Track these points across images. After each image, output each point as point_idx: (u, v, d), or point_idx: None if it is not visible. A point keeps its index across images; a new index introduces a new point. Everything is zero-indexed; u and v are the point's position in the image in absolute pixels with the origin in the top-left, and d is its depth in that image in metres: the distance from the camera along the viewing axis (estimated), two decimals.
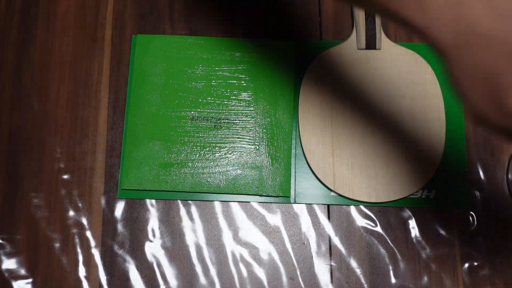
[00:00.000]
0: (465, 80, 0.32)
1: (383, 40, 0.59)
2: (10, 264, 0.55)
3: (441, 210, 0.56)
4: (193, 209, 0.56)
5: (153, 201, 0.56)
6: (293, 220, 0.56)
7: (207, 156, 0.57)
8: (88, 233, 0.56)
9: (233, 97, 0.58)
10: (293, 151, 0.57)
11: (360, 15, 0.58)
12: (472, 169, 0.57)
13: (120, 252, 0.55)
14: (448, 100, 0.58)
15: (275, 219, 0.56)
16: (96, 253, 0.55)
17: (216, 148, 0.57)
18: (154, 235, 0.55)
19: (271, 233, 0.55)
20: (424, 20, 0.32)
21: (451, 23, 0.31)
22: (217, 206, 0.56)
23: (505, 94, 0.29)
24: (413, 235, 0.55)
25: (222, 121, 0.58)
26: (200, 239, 0.55)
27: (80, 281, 0.54)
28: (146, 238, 0.55)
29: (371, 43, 0.58)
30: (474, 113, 0.32)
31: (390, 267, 0.54)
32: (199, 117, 0.58)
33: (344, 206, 0.56)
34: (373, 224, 0.55)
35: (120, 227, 0.56)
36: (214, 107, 0.58)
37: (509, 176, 0.56)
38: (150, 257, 0.55)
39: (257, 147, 0.57)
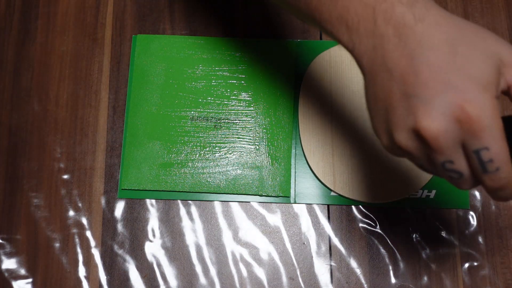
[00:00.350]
0: (371, 104, 0.35)
1: None
2: (10, 264, 0.55)
3: (441, 210, 0.56)
4: (193, 209, 0.56)
5: (153, 201, 0.56)
6: (293, 220, 0.56)
7: (207, 156, 0.57)
8: (88, 233, 0.56)
9: (233, 97, 0.58)
10: (293, 151, 0.57)
11: None
12: None
13: (120, 252, 0.55)
14: None
15: (275, 219, 0.56)
16: (96, 253, 0.55)
17: (216, 148, 0.57)
18: (154, 235, 0.55)
19: (271, 233, 0.56)
20: (348, 41, 0.35)
21: (369, 51, 0.34)
22: (217, 206, 0.56)
23: (393, 129, 0.33)
24: (413, 235, 0.55)
25: (222, 121, 0.58)
26: (200, 239, 0.55)
27: (80, 281, 0.54)
28: (146, 238, 0.55)
29: None
30: (375, 133, 0.36)
31: (390, 267, 0.54)
32: (199, 117, 0.58)
33: (344, 206, 0.56)
34: (373, 224, 0.55)
35: (120, 227, 0.56)
36: (214, 107, 0.58)
37: None
38: (150, 257, 0.55)
39: (257, 147, 0.57)
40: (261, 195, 0.56)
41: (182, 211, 0.56)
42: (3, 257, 0.55)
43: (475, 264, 0.54)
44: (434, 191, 0.56)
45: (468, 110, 0.31)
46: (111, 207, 0.56)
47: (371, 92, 0.35)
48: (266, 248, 0.55)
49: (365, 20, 0.34)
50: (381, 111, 0.34)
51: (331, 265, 0.54)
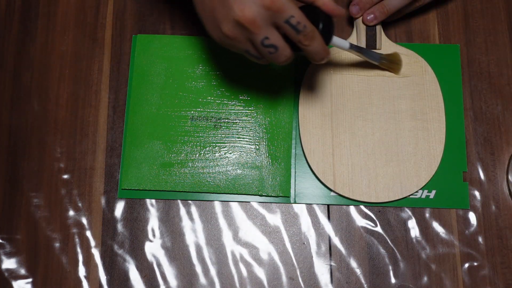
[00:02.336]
0: (201, 10, 0.45)
1: (383, 40, 0.59)
2: (10, 264, 0.55)
3: (441, 210, 0.56)
4: (193, 209, 0.56)
5: (153, 201, 0.56)
6: (293, 220, 0.56)
7: (207, 156, 0.57)
8: (88, 233, 0.56)
9: (233, 97, 0.58)
10: (293, 151, 0.57)
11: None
12: (472, 169, 0.57)
13: (120, 252, 0.55)
14: (448, 100, 0.58)
15: (275, 219, 0.56)
16: (96, 253, 0.55)
17: (216, 148, 0.57)
18: (154, 235, 0.55)
19: (271, 233, 0.55)
20: None
21: None
22: (217, 206, 0.56)
23: (219, 24, 0.43)
24: (413, 235, 0.55)
25: (222, 120, 0.58)
26: (200, 239, 0.55)
27: (80, 281, 0.54)
28: (146, 238, 0.55)
29: (371, 43, 0.58)
30: (209, 33, 0.45)
31: (390, 267, 0.54)
32: (199, 116, 0.58)
33: (344, 206, 0.56)
34: (373, 224, 0.55)
35: (120, 227, 0.56)
36: (214, 107, 0.58)
37: (509, 176, 0.56)
38: (150, 257, 0.55)
39: (257, 147, 0.57)
40: (261, 195, 0.56)
41: (182, 211, 0.56)
42: (3, 257, 0.55)
43: (475, 264, 0.54)
44: (434, 191, 0.56)
45: None
46: (111, 207, 0.56)
47: (198, 1, 0.45)
48: (266, 248, 0.55)
49: None
50: (209, 13, 0.44)
51: (331, 265, 0.54)
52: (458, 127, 0.58)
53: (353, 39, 0.59)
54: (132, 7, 0.62)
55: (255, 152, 0.57)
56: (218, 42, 0.45)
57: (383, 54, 0.57)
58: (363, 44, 0.58)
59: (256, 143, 0.57)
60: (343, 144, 0.56)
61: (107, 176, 0.57)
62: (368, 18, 0.57)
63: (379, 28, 0.58)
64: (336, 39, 0.50)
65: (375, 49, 0.59)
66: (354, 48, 0.53)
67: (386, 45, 0.59)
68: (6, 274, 0.55)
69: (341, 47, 0.51)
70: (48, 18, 0.62)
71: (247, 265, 0.55)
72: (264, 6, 0.41)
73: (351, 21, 0.61)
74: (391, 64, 0.57)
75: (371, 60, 0.56)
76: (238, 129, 0.58)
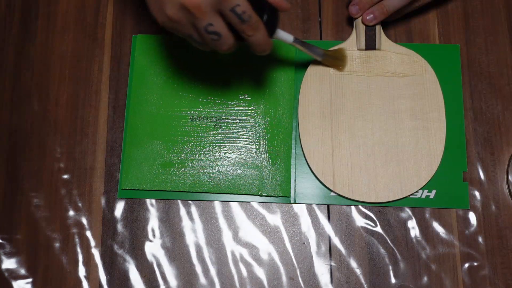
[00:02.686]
0: None
1: (383, 40, 0.59)
2: (10, 264, 0.55)
3: (441, 210, 0.56)
4: (193, 209, 0.56)
5: (153, 201, 0.56)
6: (293, 220, 0.56)
7: (207, 155, 0.57)
8: (88, 233, 0.56)
9: (233, 97, 0.58)
10: (293, 151, 0.57)
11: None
12: (472, 169, 0.57)
13: (120, 252, 0.55)
14: (448, 100, 0.58)
15: (275, 219, 0.56)
16: (96, 253, 0.55)
17: (216, 148, 0.57)
18: (154, 235, 0.55)
19: (271, 233, 0.55)
20: None
21: None
22: (217, 206, 0.56)
23: (164, 7, 0.42)
24: (413, 235, 0.55)
25: (222, 120, 0.58)
26: (200, 239, 0.55)
27: (80, 281, 0.54)
28: (146, 238, 0.55)
29: (371, 43, 0.58)
30: (152, 15, 0.44)
31: (390, 267, 0.54)
32: (199, 116, 0.58)
33: (344, 206, 0.56)
34: (373, 224, 0.55)
35: (120, 227, 0.56)
36: (214, 107, 0.58)
37: (509, 176, 0.56)
38: (150, 257, 0.55)
39: (257, 147, 0.57)
40: (261, 195, 0.56)
41: (182, 211, 0.56)
42: (3, 257, 0.55)
43: (475, 264, 0.54)
44: (434, 191, 0.56)
45: None
46: (111, 207, 0.56)
47: None
48: (266, 248, 0.55)
49: None
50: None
51: (331, 265, 0.54)
52: (458, 127, 0.58)
53: (352, 39, 0.59)
54: (132, 7, 0.62)
55: (255, 152, 0.57)
56: (161, 25, 0.44)
57: (327, 50, 0.57)
58: (363, 44, 0.58)
59: (256, 143, 0.57)
60: (343, 144, 0.56)
61: (107, 176, 0.57)
62: (367, 18, 0.57)
63: (378, 28, 0.58)
64: (280, 32, 0.49)
65: (375, 49, 0.59)
66: (297, 42, 0.52)
67: (386, 45, 0.59)
68: (6, 274, 0.55)
69: (285, 41, 0.51)
70: (48, 18, 0.62)
71: (247, 265, 0.55)
72: None
73: (350, 21, 0.61)
74: (334, 60, 0.58)
75: (315, 56, 0.56)
76: (238, 129, 0.58)
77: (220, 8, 0.42)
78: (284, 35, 0.50)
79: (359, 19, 0.58)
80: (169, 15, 0.42)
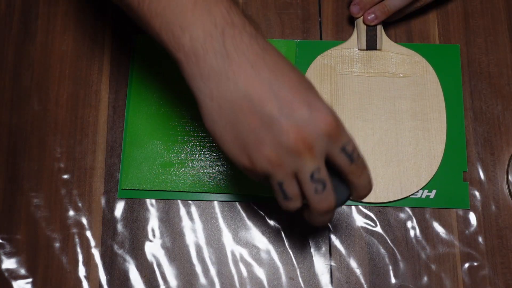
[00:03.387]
0: (220, 130, 0.37)
1: (384, 40, 0.59)
2: (10, 264, 0.55)
3: (441, 210, 0.56)
4: (193, 209, 0.56)
5: (153, 201, 0.56)
6: (293, 220, 0.56)
7: (207, 155, 0.57)
8: (88, 233, 0.56)
9: None
10: None
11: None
12: (472, 169, 0.57)
13: (120, 252, 0.55)
14: (448, 100, 0.58)
15: (275, 219, 0.56)
16: (96, 253, 0.55)
17: (216, 147, 0.57)
18: (154, 235, 0.55)
19: (271, 233, 0.55)
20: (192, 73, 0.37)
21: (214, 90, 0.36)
22: (217, 206, 0.56)
23: (262, 146, 0.35)
24: (413, 235, 0.55)
25: None
26: (200, 239, 0.55)
27: (80, 281, 0.54)
28: (146, 238, 0.55)
29: (372, 43, 0.58)
30: (229, 155, 0.37)
31: (390, 267, 0.54)
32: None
33: (344, 206, 0.56)
34: (373, 224, 0.55)
35: (120, 227, 0.56)
36: None
37: (509, 176, 0.56)
38: (150, 257, 0.55)
39: None
40: (261, 195, 0.56)
41: (182, 211, 0.56)
42: (3, 257, 0.55)
43: (475, 264, 0.54)
44: (434, 191, 0.56)
45: (332, 118, 0.36)
46: (111, 207, 0.56)
47: (219, 120, 0.37)
48: (266, 248, 0.55)
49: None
50: (240, 134, 0.36)
51: (331, 265, 0.54)
52: (458, 127, 0.58)
53: (353, 39, 0.59)
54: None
55: None
56: (240, 167, 0.37)
57: None
58: (363, 44, 0.58)
59: None
60: None
61: (107, 176, 0.57)
62: (369, 18, 0.57)
63: (379, 28, 0.58)
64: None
65: (376, 49, 0.59)
66: None
67: (386, 46, 0.59)
68: (6, 274, 0.55)
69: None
70: (48, 18, 0.62)
71: (247, 265, 0.55)
72: (325, 132, 0.35)
73: (351, 21, 0.61)
74: None
75: None
76: None
77: (330, 149, 0.36)
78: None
79: (360, 19, 0.58)
80: (269, 157, 0.35)
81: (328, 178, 0.36)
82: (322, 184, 0.36)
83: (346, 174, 0.37)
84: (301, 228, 0.55)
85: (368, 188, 0.39)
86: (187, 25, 0.36)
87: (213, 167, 0.57)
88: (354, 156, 0.37)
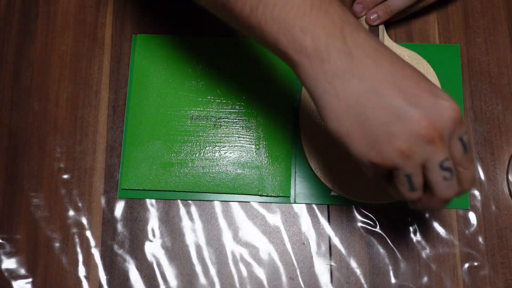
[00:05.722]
0: (347, 127, 0.36)
1: (386, 41, 0.59)
2: (10, 264, 0.55)
3: (441, 210, 0.56)
4: (193, 209, 0.56)
5: (153, 201, 0.56)
6: (293, 220, 0.56)
7: (207, 155, 0.57)
8: (88, 233, 0.56)
9: (233, 96, 0.58)
10: (293, 151, 0.57)
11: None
12: None
13: (120, 252, 0.55)
14: None
15: (275, 219, 0.56)
16: (96, 253, 0.55)
17: (216, 147, 0.57)
18: (154, 235, 0.55)
19: (271, 233, 0.55)
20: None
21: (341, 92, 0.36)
22: (217, 206, 0.56)
23: (394, 138, 0.35)
24: (413, 235, 0.55)
25: (222, 120, 0.58)
26: (200, 239, 0.55)
27: (80, 281, 0.54)
28: (146, 238, 0.55)
29: None
30: (355, 152, 0.37)
31: (390, 267, 0.54)
32: (199, 116, 0.58)
33: (344, 206, 0.56)
34: (373, 224, 0.55)
35: (120, 227, 0.56)
36: (214, 106, 0.58)
37: (509, 176, 0.56)
38: (150, 257, 0.55)
39: (257, 147, 0.57)
40: (261, 195, 0.56)
41: (182, 211, 0.56)
42: (3, 257, 0.55)
43: (475, 264, 0.54)
44: None
45: (454, 111, 0.35)
46: (111, 207, 0.56)
47: (343, 117, 0.36)
48: (266, 248, 0.55)
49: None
50: (371, 128, 0.35)
51: (331, 265, 0.54)
52: None
53: None
54: (132, 7, 0.62)
55: (255, 152, 0.57)
56: (367, 164, 0.37)
57: None
58: None
59: (256, 143, 0.57)
60: None
61: (107, 176, 0.57)
62: (371, 17, 0.57)
63: (382, 29, 0.58)
64: None
65: None
66: None
67: (388, 46, 0.59)
68: (6, 274, 0.55)
69: None
70: (48, 18, 0.62)
71: (247, 265, 0.55)
72: (452, 119, 0.35)
73: None
74: None
75: None
76: (238, 129, 0.58)
77: (452, 136, 0.36)
78: None
79: (363, 19, 0.58)
80: (401, 149, 0.34)
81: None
82: (450, 171, 0.36)
83: (456, 165, 0.37)
84: (301, 228, 0.55)
85: (471, 183, 0.38)
86: (307, 27, 0.35)
87: (213, 167, 0.57)
88: (467, 147, 0.36)
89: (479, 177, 0.56)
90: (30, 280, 0.54)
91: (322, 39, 0.35)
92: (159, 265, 0.55)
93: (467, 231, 0.55)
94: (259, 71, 0.59)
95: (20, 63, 0.60)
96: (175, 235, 0.55)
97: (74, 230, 0.56)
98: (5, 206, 0.56)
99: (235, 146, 0.57)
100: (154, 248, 0.55)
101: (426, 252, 0.54)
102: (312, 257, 0.55)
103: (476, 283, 0.54)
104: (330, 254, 0.55)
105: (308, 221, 0.56)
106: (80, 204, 0.56)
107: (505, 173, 0.57)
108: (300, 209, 0.56)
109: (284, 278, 0.54)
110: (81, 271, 0.55)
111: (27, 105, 0.59)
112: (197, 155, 0.57)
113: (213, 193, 0.56)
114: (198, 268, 0.54)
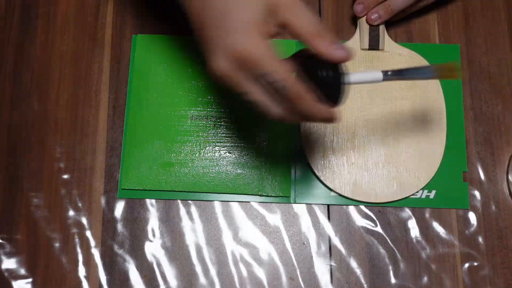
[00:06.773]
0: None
1: (386, 41, 0.59)
2: (10, 264, 0.55)
3: (441, 210, 0.56)
4: (193, 209, 0.56)
5: (153, 201, 0.56)
6: (293, 220, 0.56)
7: (207, 155, 0.57)
8: (88, 233, 0.56)
9: (233, 96, 0.58)
10: (293, 151, 0.57)
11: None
12: (472, 169, 0.57)
13: (120, 252, 0.55)
14: (448, 100, 0.58)
15: (275, 219, 0.56)
16: (96, 253, 0.55)
17: (216, 147, 0.57)
18: (154, 235, 0.55)
19: (271, 233, 0.55)
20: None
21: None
22: (217, 206, 0.56)
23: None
24: (413, 235, 0.55)
25: (222, 120, 0.58)
26: (200, 239, 0.55)
27: (80, 281, 0.54)
28: (146, 238, 0.55)
29: (374, 43, 0.58)
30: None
31: (390, 267, 0.54)
32: (199, 116, 0.58)
33: (344, 206, 0.56)
34: (373, 224, 0.55)
35: (120, 227, 0.56)
36: (214, 106, 0.58)
37: (509, 176, 0.56)
38: (150, 257, 0.55)
39: (257, 147, 0.57)
40: (261, 195, 0.56)
41: (182, 211, 0.56)
42: (3, 257, 0.55)
43: (475, 264, 0.54)
44: (434, 191, 0.56)
45: (240, 50, 0.37)
46: (111, 207, 0.56)
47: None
48: (266, 248, 0.55)
49: None
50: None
51: (331, 265, 0.54)
52: (458, 127, 0.58)
53: (355, 39, 0.59)
54: (132, 7, 0.62)
55: (255, 152, 0.57)
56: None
57: (438, 64, 0.44)
58: (366, 44, 0.58)
59: (256, 143, 0.57)
60: (343, 144, 0.56)
61: (107, 176, 0.57)
62: (372, 17, 0.57)
63: (382, 28, 0.58)
64: (355, 76, 0.40)
65: (378, 49, 0.58)
66: (393, 75, 0.42)
67: (389, 46, 0.59)
68: (6, 274, 0.55)
69: (369, 82, 0.41)
70: (48, 18, 0.62)
71: (247, 265, 0.55)
72: (236, 60, 0.37)
73: (354, 20, 0.61)
74: (449, 72, 0.45)
75: (424, 78, 0.45)
76: (238, 129, 0.58)
77: (251, 76, 0.38)
78: (365, 77, 0.41)
79: (363, 19, 0.58)
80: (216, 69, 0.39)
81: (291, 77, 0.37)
82: (256, 102, 0.39)
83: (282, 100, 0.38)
84: (301, 228, 0.55)
85: (316, 118, 0.40)
86: None
87: (213, 167, 0.57)
88: (278, 86, 0.37)
89: (479, 177, 0.57)
90: (30, 280, 0.54)
91: None
92: (159, 265, 0.55)
93: (467, 231, 0.55)
94: None
95: (20, 63, 0.60)
96: (175, 235, 0.55)
97: (74, 230, 0.56)
98: (5, 206, 0.56)
99: (235, 146, 0.57)
100: (154, 248, 0.55)
101: (426, 252, 0.54)
102: (312, 257, 0.55)
103: (476, 283, 0.54)
104: (330, 254, 0.55)
105: (308, 221, 0.56)
106: (80, 204, 0.56)
107: (505, 173, 0.57)
108: (300, 209, 0.56)
109: (284, 278, 0.54)
110: (81, 271, 0.55)
111: (27, 105, 0.59)
112: (197, 155, 0.57)
113: (213, 193, 0.56)
114: (198, 268, 0.54)
